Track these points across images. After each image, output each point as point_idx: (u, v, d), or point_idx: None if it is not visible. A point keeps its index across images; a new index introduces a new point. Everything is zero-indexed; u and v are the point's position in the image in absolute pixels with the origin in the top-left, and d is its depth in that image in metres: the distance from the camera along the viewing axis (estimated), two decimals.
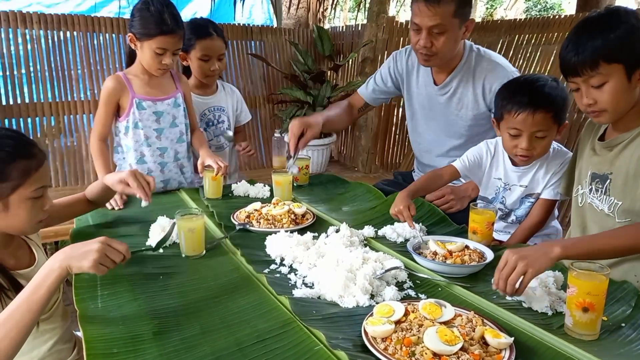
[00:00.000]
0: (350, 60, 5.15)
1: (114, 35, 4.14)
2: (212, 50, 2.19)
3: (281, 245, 1.39)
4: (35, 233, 1.34)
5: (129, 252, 1.11)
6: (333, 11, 7.12)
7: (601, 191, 1.35)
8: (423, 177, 1.79)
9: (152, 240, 1.44)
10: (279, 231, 1.50)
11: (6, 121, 3.79)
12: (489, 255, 1.32)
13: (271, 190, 1.95)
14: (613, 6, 1.28)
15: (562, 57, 1.27)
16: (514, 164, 1.66)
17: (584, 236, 1.32)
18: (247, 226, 1.57)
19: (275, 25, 5.99)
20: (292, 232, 1.49)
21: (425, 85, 2.01)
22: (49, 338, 1.27)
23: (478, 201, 1.77)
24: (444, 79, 1.95)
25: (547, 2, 13.50)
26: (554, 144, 1.65)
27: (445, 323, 0.99)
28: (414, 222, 1.51)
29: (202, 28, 2.19)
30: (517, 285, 1.09)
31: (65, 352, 1.32)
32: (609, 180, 1.32)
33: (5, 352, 0.94)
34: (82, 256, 1.04)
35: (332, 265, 1.25)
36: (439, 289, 1.22)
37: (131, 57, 2.00)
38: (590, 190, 1.38)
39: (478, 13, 11.86)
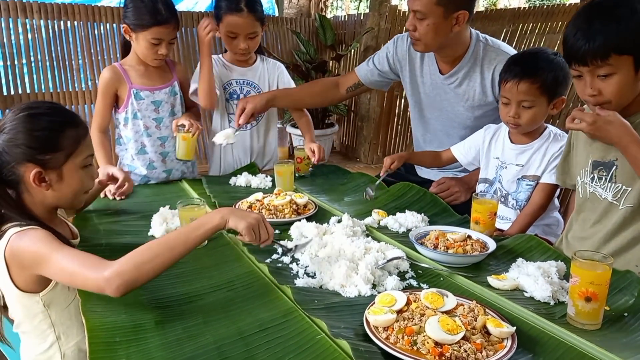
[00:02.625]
0: (353, 49, 5.12)
1: (114, 25, 4.12)
2: (239, 28, 2.00)
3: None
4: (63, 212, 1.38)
5: (272, 239, 1.20)
6: (335, 0, 7.06)
7: (605, 179, 1.33)
8: (425, 151, 1.91)
9: (154, 230, 1.44)
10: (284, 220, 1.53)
11: (7, 111, 3.78)
12: (491, 245, 1.32)
13: (273, 181, 1.94)
14: None
15: (569, 44, 1.22)
16: (512, 141, 1.69)
17: None
18: None
19: (277, 14, 5.96)
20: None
21: (431, 74, 1.97)
22: None
23: (479, 189, 1.77)
24: (449, 69, 1.91)
25: None
26: (555, 130, 1.65)
27: (447, 312, 0.99)
28: (415, 212, 1.52)
29: (232, 0, 1.99)
30: None
31: None
32: (615, 167, 1.30)
33: (154, 269, 1.02)
34: (242, 216, 1.14)
35: (334, 255, 1.25)
36: (441, 278, 1.22)
37: (126, 48, 1.99)
38: (593, 179, 1.36)
39: (481, 2, 11.75)
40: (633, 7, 1.16)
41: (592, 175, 1.36)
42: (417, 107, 2.08)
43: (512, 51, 1.86)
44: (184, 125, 1.93)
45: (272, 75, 2.22)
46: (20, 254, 1.07)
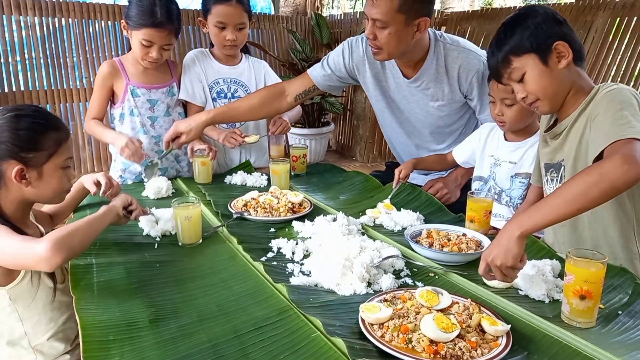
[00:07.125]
0: None
1: (109, 22, 4.10)
2: (228, 18, 1.96)
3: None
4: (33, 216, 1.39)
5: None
6: None
7: (557, 180, 1.35)
8: (430, 156, 1.90)
9: (145, 227, 1.43)
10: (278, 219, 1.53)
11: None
12: (486, 243, 1.32)
13: (268, 179, 1.94)
14: (526, 5, 1.31)
15: (487, 64, 1.37)
16: (507, 139, 1.69)
17: (537, 204, 1.12)
18: (244, 215, 1.56)
19: (273, 12, 5.94)
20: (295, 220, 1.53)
21: (394, 78, 1.90)
22: (64, 312, 1.29)
23: (474, 187, 1.77)
24: (414, 73, 1.83)
25: None
26: None
27: (442, 310, 0.99)
28: (410, 211, 1.52)
29: None
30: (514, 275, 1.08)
31: (76, 331, 1.33)
32: (562, 168, 1.33)
33: (84, 238, 1.15)
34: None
35: (329, 253, 1.25)
36: (436, 277, 1.22)
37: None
38: (547, 181, 1.39)
39: (477, 1, 11.78)
40: (528, 16, 1.25)
41: (546, 178, 1.40)
42: (384, 112, 2.02)
43: (472, 46, 1.82)
44: (199, 150, 1.92)
45: (259, 74, 2.20)
46: None
